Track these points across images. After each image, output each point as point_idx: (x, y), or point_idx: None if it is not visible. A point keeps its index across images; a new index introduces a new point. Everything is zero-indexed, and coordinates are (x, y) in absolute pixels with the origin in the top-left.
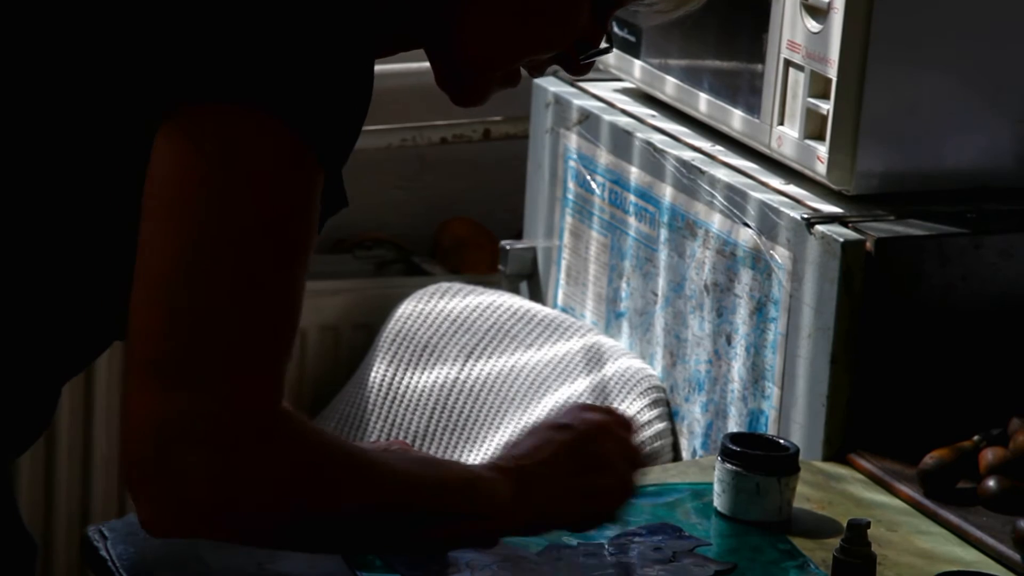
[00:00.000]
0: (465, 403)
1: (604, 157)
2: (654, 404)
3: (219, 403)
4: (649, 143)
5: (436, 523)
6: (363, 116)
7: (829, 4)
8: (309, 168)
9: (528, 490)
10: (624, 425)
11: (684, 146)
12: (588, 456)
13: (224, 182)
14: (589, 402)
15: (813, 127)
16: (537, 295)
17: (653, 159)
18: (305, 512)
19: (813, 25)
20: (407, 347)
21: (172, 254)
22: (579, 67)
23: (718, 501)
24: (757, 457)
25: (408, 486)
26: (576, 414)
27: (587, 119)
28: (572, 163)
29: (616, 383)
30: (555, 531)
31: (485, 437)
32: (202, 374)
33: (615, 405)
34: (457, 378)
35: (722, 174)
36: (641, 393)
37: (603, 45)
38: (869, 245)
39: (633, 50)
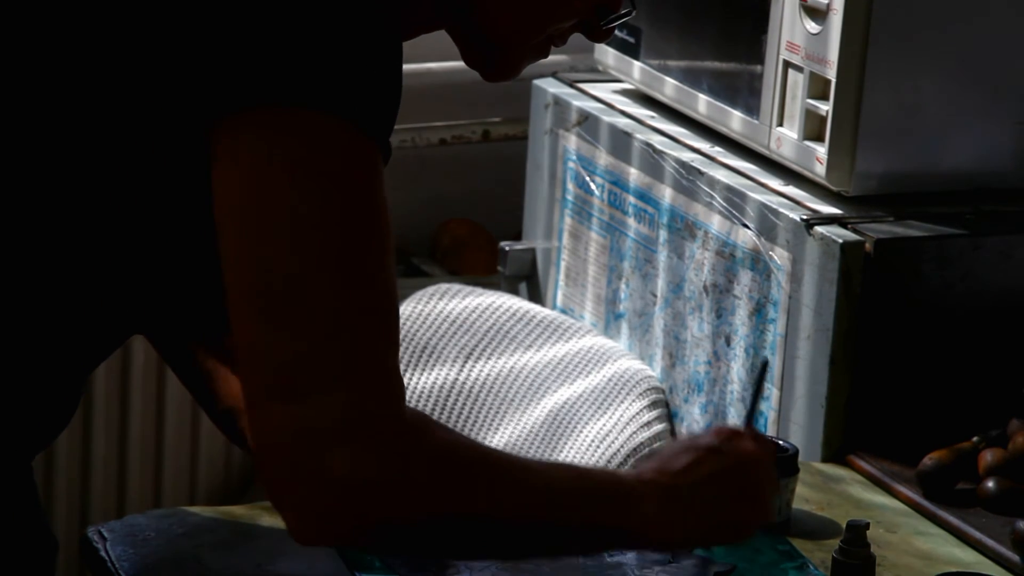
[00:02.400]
0: (464, 404)
1: (603, 158)
2: (653, 405)
3: (348, 404)
4: (648, 144)
5: (581, 534)
6: (399, 94)
7: (828, 5)
8: (374, 157)
9: (678, 509)
10: (772, 454)
11: (683, 147)
12: (740, 487)
13: (305, 186)
14: (732, 426)
15: (812, 128)
16: (536, 296)
17: (652, 160)
18: (447, 513)
19: (812, 26)
20: (406, 348)
21: (270, 266)
22: (601, 33)
23: None
24: None
25: (553, 495)
26: (731, 441)
27: (586, 120)
28: (571, 164)
29: (615, 384)
30: (683, 549)
31: (485, 438)
32: (328, 381)
33: (614, 406)
34: (456, 379)
35: (721, 175)
36: (640, 394)
37: (623, 10)
38: (868, 246)
39: (632, 51)
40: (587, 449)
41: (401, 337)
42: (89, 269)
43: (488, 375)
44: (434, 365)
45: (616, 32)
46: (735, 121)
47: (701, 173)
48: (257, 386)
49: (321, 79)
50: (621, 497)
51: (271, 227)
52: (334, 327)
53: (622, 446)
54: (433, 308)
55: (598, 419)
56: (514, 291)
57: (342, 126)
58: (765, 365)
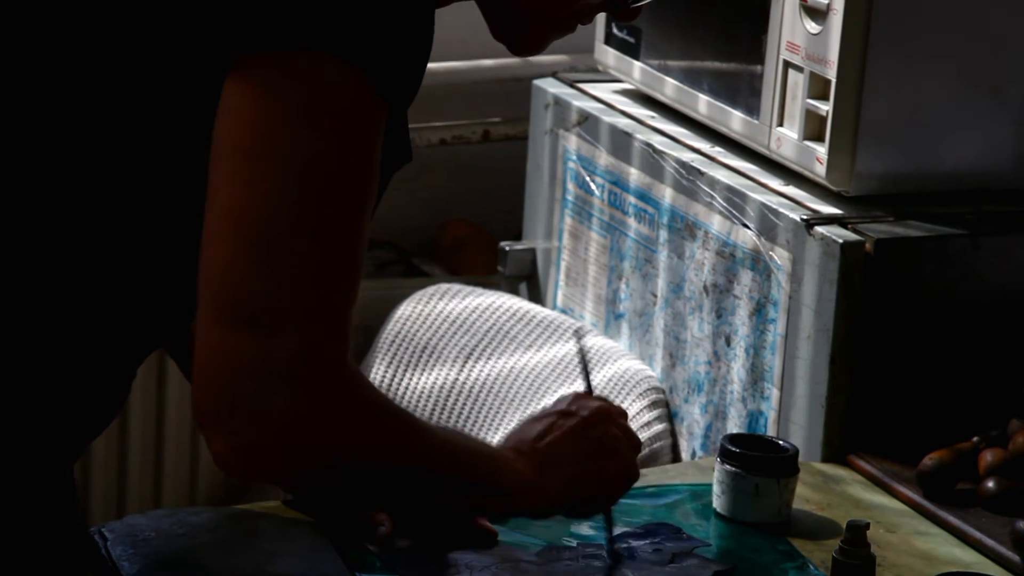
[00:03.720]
0: (464, 404)
1: (603, 158)
2: (653, 405)
3: (303, 346)
4: (648, 144)
5: (464, 491)
6: (426, 59)
7: (828, 5)
8: (378, 114)
9: (544, 472)
10: (621, 413)
11: (683, 147)
12: (595, 441)
13: (300, 127)
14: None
15: (812, 128)
16: (536, 296)
17: (652, 160)
18: (363, 459)
19: (812, 26)
20: (406, 348)
21: (253, 198)
22: (629, 12)
23: (717, 502)
24: (756, 458)
25: (447, 452)
26: (576, 402)
27: (586, 120)
28: (571, 164)
29: (615, 384)
30: (559, 514)
31: (485, 438)
32: (288, 321)
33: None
34: (456, 379)
35: (721, 175)
36: (640, 394)
37: None
38: (868, 246)
39: (633, 51)
40: None
41: (401, 337)
42: (143, 245)
43: (488, 375)
44: (434, 365)
45: (616, 31)
46: (735, 121)
47: (701, 173)
48: (217, 310)
49: (340, 28)
50: (499, 460)
51: (264, 160)
52: (305, 269)
53: None
54: (433, 308)
55: None
56: (514, 291)
57: (351, 77)
58: (580, 337)
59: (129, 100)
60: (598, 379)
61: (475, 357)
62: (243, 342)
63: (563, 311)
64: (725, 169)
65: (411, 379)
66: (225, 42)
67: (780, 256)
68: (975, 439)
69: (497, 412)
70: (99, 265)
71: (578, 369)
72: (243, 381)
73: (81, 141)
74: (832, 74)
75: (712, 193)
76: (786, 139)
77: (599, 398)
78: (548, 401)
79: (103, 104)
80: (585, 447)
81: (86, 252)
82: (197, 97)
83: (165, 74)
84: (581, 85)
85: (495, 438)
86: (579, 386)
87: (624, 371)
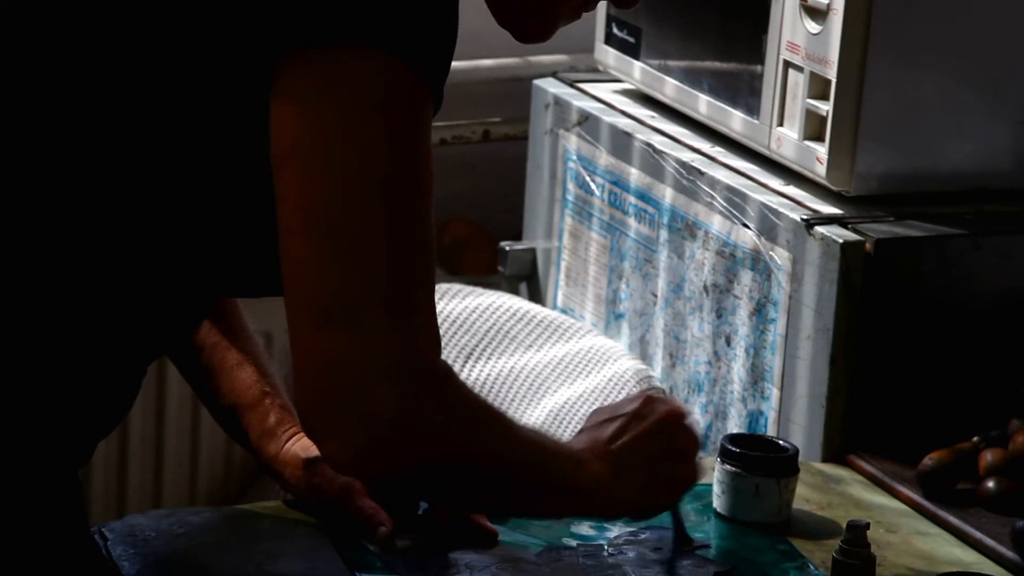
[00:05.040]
0: None
1: (604, 158)
2: None
3: (398, 341)
4: (649, 144)
5: (545, 491)
6: (453, 48)
7: (828, 5)
8: (427, 100)
9: (620, 474)
10: (687, 416)
11: (684, 147)
12: (668, 445)
13: (357, 122)
14: (650, 394)
15: (812, 128)
16: (537, 296)
17: (653, 160)
18: (460, 458)
19: (812, 26)
20: None
21: (324, 196)
22: (629, 0)
23: (717, 502)
24: (756, 458)
25: (536, 451)
26: (648, 404)
27: (587, 120)
28: (572, 164)
29: (616, 384)
30: (626, 516)
31: None
32: (384, 316)
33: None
34: None
35: (722, 175)
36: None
37: None
38: (868, 246)
39: (633, 51)
40: None
41: None
42: (131, 253)
43: (488, 375)
44: None
45: (616, 31)
46: (735, 121)
47: (701, 173)
48: (311, 313)
49: (380, 20)
50: (575, 460)
51: (332, 160)
52: (387, 263)
53: None
54: None
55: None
56: (514, 291)
57: (400, 67)
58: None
59: (160, 100)
60: (598, 379)
61: (475, 357)
62: (338, 342)
63: (563, 311)
64: (725, 169)
65: None
66: (266, 41)
67: (780, 256)
68: (975, 439)
69: None
70: (108, 267)
71: (579, 369)
72: (346, 381)
73: (96, 135)
74: (832, 74)
75: (712, 193)
76: (786, 139)
77: (668, 400)
78: (548, 402)
79: (127, 102)
80: (658, 451)
81: (95, 253)
82: (234, 99)
83: (205, 76)
84: (581, 85)
85: None
86: (580, 386)
87: (624, 371)
